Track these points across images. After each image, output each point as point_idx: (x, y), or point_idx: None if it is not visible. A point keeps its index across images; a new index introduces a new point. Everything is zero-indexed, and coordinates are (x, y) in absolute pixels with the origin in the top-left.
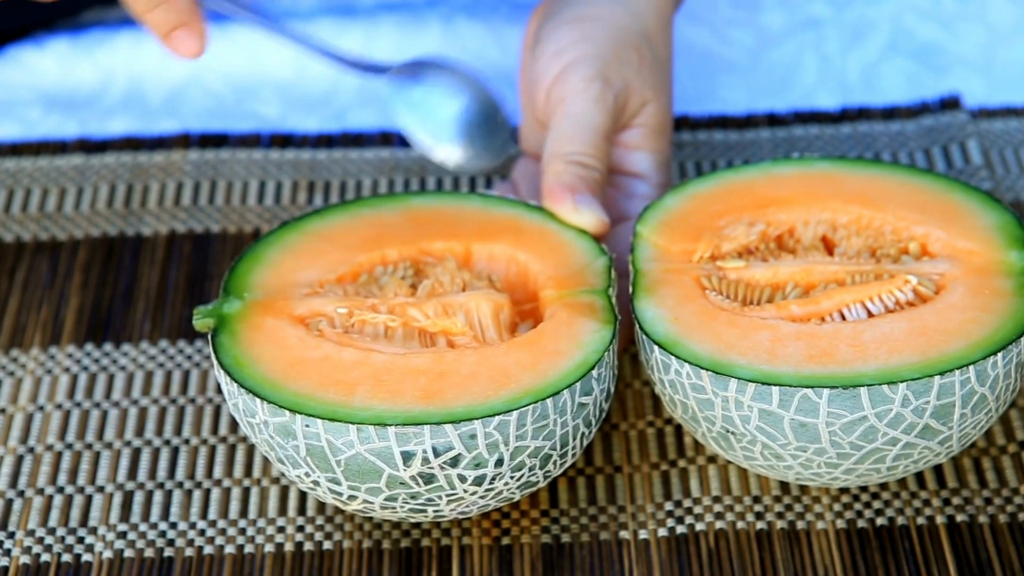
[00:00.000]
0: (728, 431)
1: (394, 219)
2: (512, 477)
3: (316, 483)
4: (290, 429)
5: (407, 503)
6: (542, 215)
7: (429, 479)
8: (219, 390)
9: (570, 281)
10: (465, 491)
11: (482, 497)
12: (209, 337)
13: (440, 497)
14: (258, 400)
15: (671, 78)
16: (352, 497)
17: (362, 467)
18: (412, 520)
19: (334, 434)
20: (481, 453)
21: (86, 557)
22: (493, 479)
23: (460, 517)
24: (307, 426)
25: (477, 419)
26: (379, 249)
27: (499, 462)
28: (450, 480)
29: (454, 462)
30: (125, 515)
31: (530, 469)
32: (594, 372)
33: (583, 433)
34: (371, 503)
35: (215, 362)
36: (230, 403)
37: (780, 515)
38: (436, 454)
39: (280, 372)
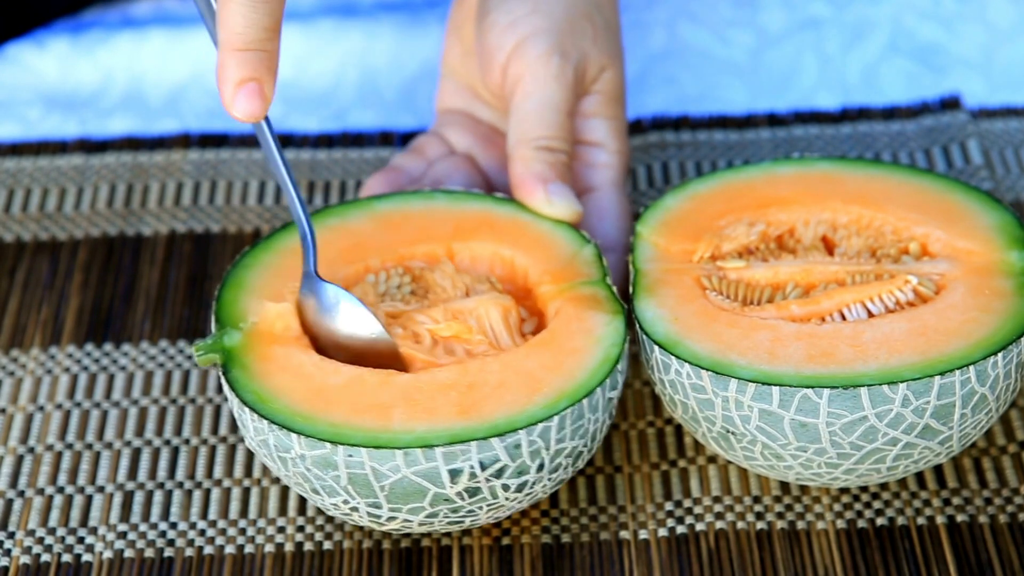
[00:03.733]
0: (728, 431)
1: (364, 227)
2: (550, 479)
3: (355, 509)
4: (331, 460)
5: (447, 517)
6: (514, 207)
7: (474, 492)
8: (220, 390)
9: (564, 274)
10: (507, 499)
11: (519, 502)
12: (221, 375)
13: (481, 507)
14: (293, 435)
15: (621, 43)
16: (392, 518)
17: (407, 489)
18: (447, 531)
19: (379, 461)
20: (525, 461)
21: (86, 557)
22: (533, 484)
23: (494, 522)
24: (350, 456)
25: (521, 429)
26: (360, 260)
27: (540, 467)
28: (493, 491)
29: (499, 473)
30: (125, 515)
31: (564, 468)
32: (619, 365)
33: (607, 424)
34: (410, 521)
35: (234, 400)
36: (255, 440)
37: (780, 515)
38: (483, 468)
39: (307, 403)
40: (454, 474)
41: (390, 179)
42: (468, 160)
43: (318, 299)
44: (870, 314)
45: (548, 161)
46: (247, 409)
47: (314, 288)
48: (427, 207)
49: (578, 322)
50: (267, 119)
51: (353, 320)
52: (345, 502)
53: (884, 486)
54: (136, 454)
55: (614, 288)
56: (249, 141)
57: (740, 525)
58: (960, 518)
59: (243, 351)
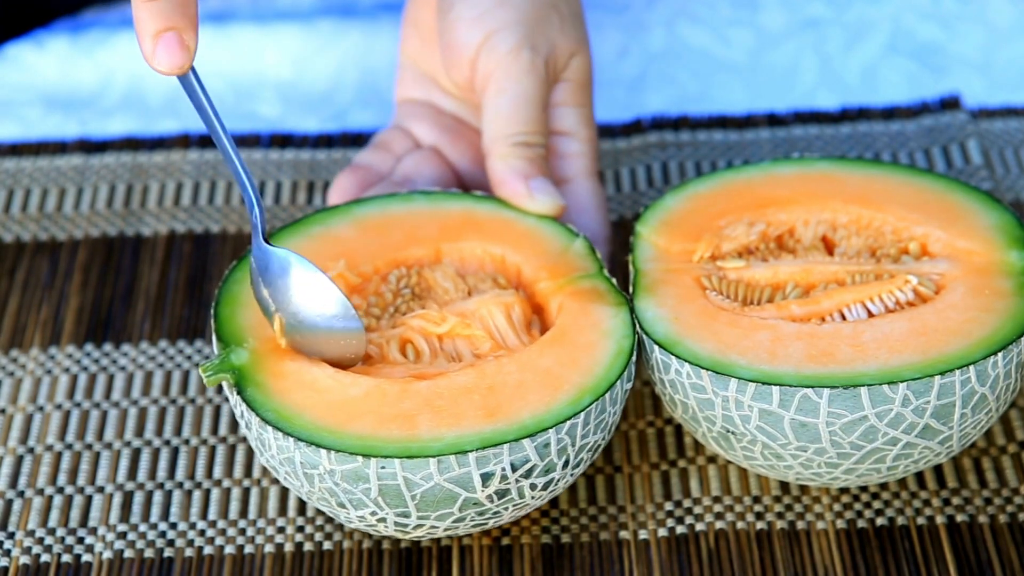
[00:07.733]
0: (728, 431)
1: (348, 233)
2: (572, 475)
3: (382, 520)
4: (362, 474)
5: (473, 520)
6: (495, 204)
7: (503, 494)
8: (220, 391)
9: (560, 269)
10: (532, 498)
11: (542, 500)
12: (235, 394)
13: (507, 508)
14: (322, 451)
15: (586, 30)
16: (419, 526)
17: (438, 496)
18: (472, 533)
19: (412, 471)
20: (552, 459)
21: (86, 557)
22: (558, 481)
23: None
24: (383, 467)
25: (550, 428)
26: (352, 268)
27: (565, 463)
28: (521, 491)
29: (528, 473)
30: (125, 515)
31: (584, 463)
32: (632, 356)
33: (619, 415)
34: (436, 527)
35: (254, 419)
36: (279, 457)
37: (780, 515)
38: (514, 469)
39: (331, 417)
40: (486, 478)
41: (358, 177)
42: (436, 154)
43: (266, 269)
44: (870, 314)
45: (527, 157)
46: (270, 428)
47: (264, 256)
48: (408, 210)
49: (584, 317)
50: (195, 72)
51: (311, 290)
52: (373, 513)
53: (884, 486)
54: (136, 454)
55: (613, 280)
56: (249, 141)
57: (740, 525)
58: (960, 518)
59: (253, 369)
